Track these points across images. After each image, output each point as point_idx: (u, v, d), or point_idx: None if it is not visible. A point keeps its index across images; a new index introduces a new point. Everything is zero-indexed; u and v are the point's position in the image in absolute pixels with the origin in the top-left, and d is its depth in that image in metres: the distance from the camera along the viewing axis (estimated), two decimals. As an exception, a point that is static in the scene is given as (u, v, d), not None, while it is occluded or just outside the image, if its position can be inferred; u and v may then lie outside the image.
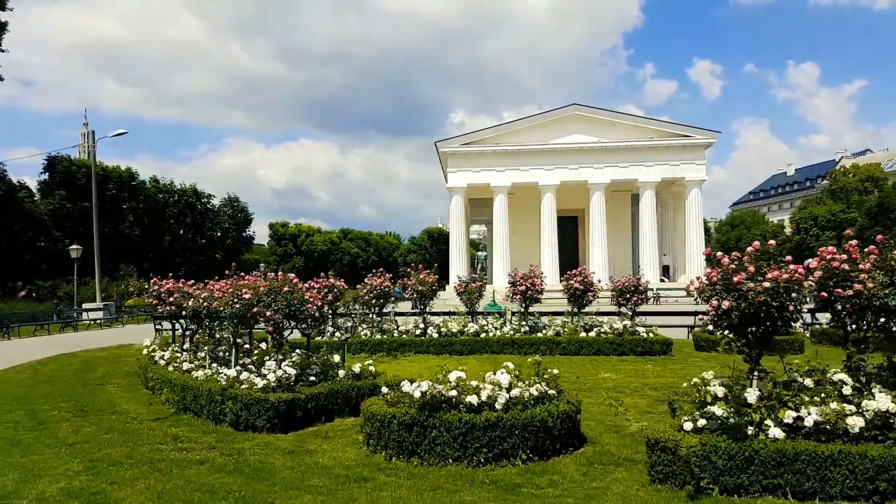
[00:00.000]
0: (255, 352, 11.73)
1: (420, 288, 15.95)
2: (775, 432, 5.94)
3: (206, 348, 12.43)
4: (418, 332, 16.30)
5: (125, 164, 54.46)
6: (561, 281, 16.79)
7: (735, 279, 6.25)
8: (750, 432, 6.01)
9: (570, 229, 48.72)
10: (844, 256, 6.77)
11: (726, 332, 6.76)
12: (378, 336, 16.02)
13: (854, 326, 7.12)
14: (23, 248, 49.41)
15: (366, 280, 16.86)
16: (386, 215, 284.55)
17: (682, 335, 19.78)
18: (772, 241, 8.48)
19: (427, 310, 16.75)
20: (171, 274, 14.64)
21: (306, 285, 10.20)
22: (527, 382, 7.47)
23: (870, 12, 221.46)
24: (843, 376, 6.70)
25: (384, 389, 7.84)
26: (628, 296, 16.25)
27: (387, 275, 17.24)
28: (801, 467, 5.64)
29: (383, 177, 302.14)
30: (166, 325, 21.93)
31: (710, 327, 6.60)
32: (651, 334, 15.90)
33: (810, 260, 7.08)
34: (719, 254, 6.74)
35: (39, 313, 30.49)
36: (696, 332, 17.16)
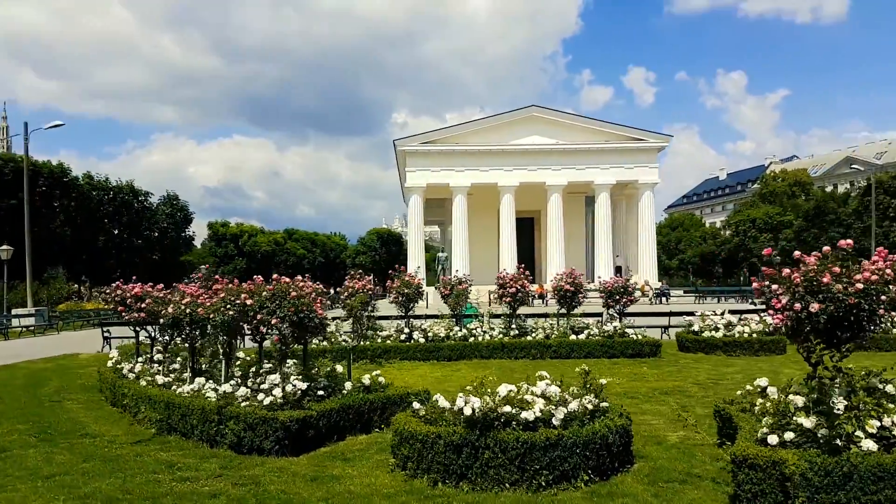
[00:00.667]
0: (238, 363, 10.74)
1: (405, 290, 15.12)
2: (868, 444, 5.44)
3: (178, 359, 11.35)
4: (403, 337, 15.46)
5: (44, 159, 50.81)
6: (549, 282, 16.20)
7: (823, 280, 5.72)
8: (839, 445, 5.51)
9: (526, 230, 48.53)
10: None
11: (806, 336, 6.19)
12: (360, 342, 15.14)
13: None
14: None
15: (346, 283, 15.89)
16: (326, 215, 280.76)
17: (654, 335, 19.57)
18: (768, 249, 8.09)
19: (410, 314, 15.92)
20: (117, 273, 13.40)
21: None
22: (568, 394, 6.80)
23: (793, 25, 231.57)
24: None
25: (416, 405, 7.04)
26: (617, 297, 15.84)
27: (367, 276, 16.32)
28: (903, 482, 5.16)
29: (323, 176, 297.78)
30: (115, 331, 20.54)
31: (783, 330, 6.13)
32: (640, 336, 15.53)
33: (876, 259, 6.63)
34: (797, 253, 6.23)
35: (-36, 321, 28.17)
36: (680, 332, 16.90)
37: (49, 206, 49.84)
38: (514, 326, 15.93)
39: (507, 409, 6.11)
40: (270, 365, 9.74)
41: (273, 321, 8.09)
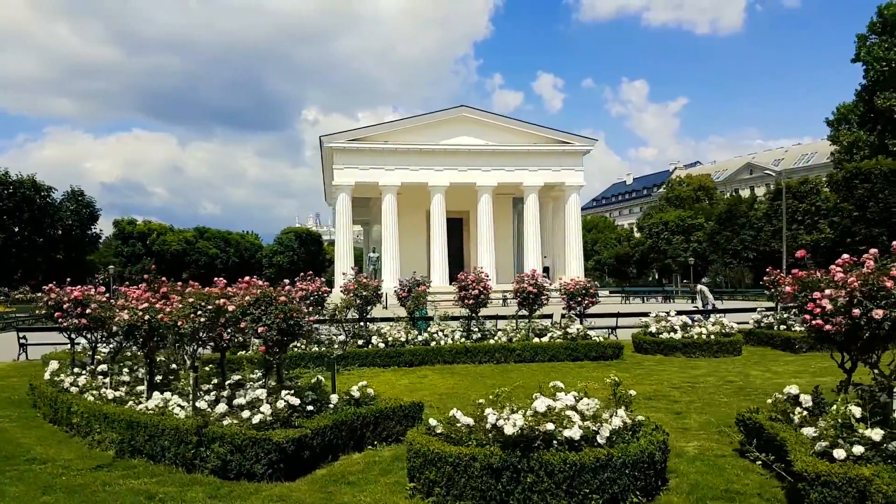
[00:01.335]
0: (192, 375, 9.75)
1: (363, 293, 14.31)
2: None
3: (125, 371, 10.20)
4: (361, 342, 14.63)
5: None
6: (513, 283, 15.80)
7: (886, 284, 5.47)
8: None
9: (455, 231, 48.15)
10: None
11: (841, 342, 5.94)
12: (315, 348, 14.21)
13: None
14: None
15: (298, 284, 14.88)
16: (233, 214, 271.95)
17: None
18: (801, 252, 7.96)
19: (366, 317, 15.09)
20: (18, 275, 12.01)
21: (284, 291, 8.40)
22: (590, 406, 6.32)
23: (693, 35, 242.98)
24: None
25: (432, 421, 6.38)
26: (579, 298, 15.61)
27: (318, 278, 15.38)
28: None
29: (229, 173, 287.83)
30: (33, 337, 18.56)
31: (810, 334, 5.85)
32: (602, 338, 15.37)
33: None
34: (845, 256, 5.98)
35: None
36: (636, 334, 16.86)
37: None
38: (475, 329, 15.43)
39: (550, 426, 5.55)
40: (239, 377, 8.85)
41: (259, 329, 7.21)
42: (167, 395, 8.18)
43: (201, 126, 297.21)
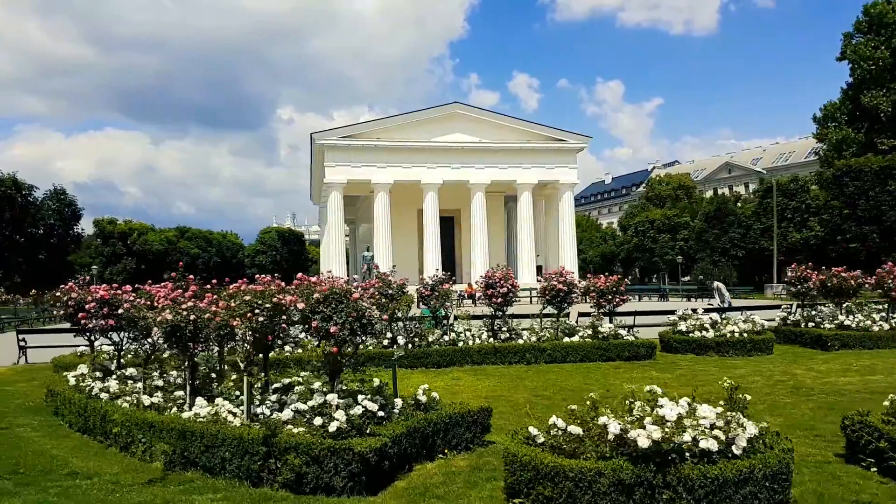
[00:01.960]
0: (231, 379, 9.12)
1: (388, 291, 13.68)
2: None
3: (155, 375, 9.51)
4: (385, 342, 14.01)
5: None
6: (538, 280, 15.26)
7: None
8: None
9: (446, 229, 47.63)
10: None
11: None
12: (349, 349, 13.51)
13: None
14: None
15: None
16: (207, 213, 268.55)
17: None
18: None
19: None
20: None
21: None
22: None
23: (667, 36, 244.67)
24: None
25: (532, 430, 5.82)
26: (609, 297, 15.13)
27: (339, 277, 14.68)
28: None
29: (203, 172, 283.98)
30: (32, 339, 17.58)
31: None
32: (633, 337, 14.92)
33: None
34: None
35: None
36: (664, 332, 16.43)
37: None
38: (504, 329, 14.89)
39: (687, 437, 5.02)
40: (289, 380, 8.24)
41: (332, 328, 6.59)
42: (220, 400, 7.53)
43: (175, 125, 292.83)
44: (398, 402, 7.50)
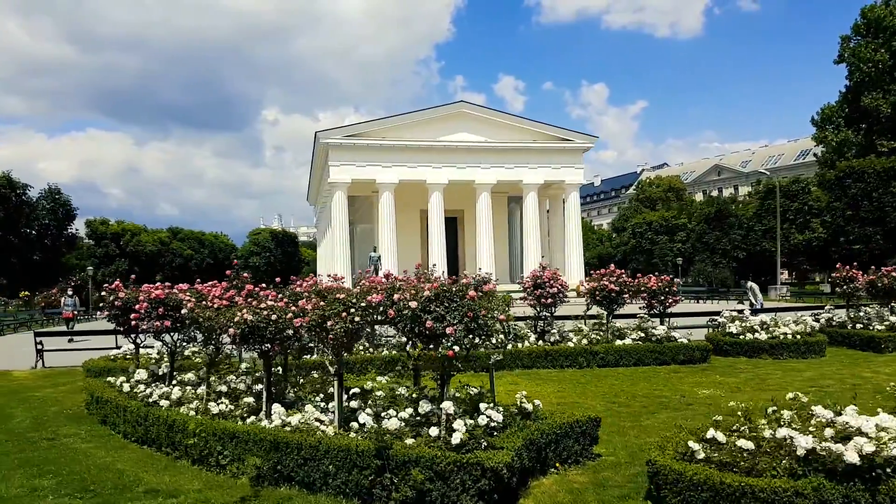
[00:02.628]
0: (306, 384, 8.52)
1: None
2: None
3: (213, 380, 8.85)
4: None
5: None
6: (587, 281, 14.68)
7: None
8: None
9: (449, 230, 46.96)
10: None
11: None
12: (385, 352, 12.89)
13: None
14: None
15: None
16: (191, 214, 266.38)
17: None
18: None
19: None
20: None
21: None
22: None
23: (653, 39, 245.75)
24: None
25: (693, 445, 5.22)
26: (661, 297, 14.58)
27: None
28: None
29: (186, 173, 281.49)
30: (48, 342, 16.71)
31: None
32: (687, 340, 14.38)
33: None
34: None
35: None
36: (712, 334, 15.91)
37: None
38: (554, 331, 14.29)
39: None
40: (368, 386, 7.64)
41: (448, 329, 5.96)
42: (309, 408, 6.89)
43: (158, 126, 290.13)
44: (493, 412, 6.88)
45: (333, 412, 7.03)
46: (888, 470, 4.45)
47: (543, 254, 48.87)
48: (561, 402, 10.24)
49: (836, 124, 59.99)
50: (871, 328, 15.93)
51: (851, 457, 4.36)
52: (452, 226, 48.30)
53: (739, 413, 5.69)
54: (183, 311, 8.15)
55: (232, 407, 7.73)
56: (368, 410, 6.63)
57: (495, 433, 6.27)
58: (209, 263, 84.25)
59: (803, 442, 4.62)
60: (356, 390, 7.50)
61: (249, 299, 8.45)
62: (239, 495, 6.06)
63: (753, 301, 21.34)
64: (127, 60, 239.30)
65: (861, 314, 16.70)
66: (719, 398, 10.39)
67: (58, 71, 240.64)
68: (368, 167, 41.35)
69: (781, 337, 14.67)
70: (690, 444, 5.24)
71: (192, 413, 7.69)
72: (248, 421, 7.22)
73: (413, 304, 6.08)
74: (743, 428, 5.44)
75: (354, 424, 6.65)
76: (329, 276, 8.29)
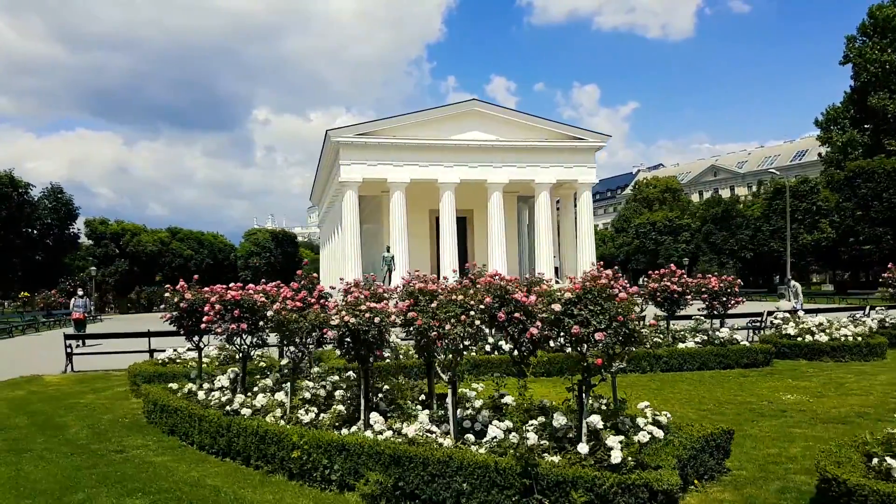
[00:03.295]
0: (404, 391, 7.99)
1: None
2: None
3: (269, 384, 8.30)
4: (488, 347, 12.84)
5: None
6: (649, 282, 14.11)
7: None
8: None
9: (459, 230, 46.45)
10: None
11: None
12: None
13: None
14: None
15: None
16: (181, 215, 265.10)
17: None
18: None
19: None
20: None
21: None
22: None
23: (644, 40, 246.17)
24: None
25: (893, 462, 4.70)
26: (724, 298, 14.07)
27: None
28: None
29: (176, 173, 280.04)
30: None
31: None
32: (749, 343, 13.90)
33: None
34: None
35: None
36: (770, 335, 15.42)
37: None
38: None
39: None
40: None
41: (597, 336, 5.42)
42: (423, 416, 6.35)
43: (148, 125, 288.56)
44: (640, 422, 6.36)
45: (441, 421, 6.51)
46: None
47: (555, 254, 48.49)
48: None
49: (841, 125, 59.91)
50: (930, 330, 15.53)
51: None
52: (461, 226, 47.74)
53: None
54: (269, 313, 7.57)
55: (320, 416, 7.17)
56: (499, 423, 6.06)
57: (643, 450, 5.75)
58: (209, 264, 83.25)
59: None
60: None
61: (321, 300, 7.93)
62: (362, 517, 5.51)
63: (794, 300, 20.83)
64: (117, 60, 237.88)
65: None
66: (808, 403, 9.92)
67: (47, 70, 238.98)
68: (380, 166, 40.75)
69: (843, 339, 14.22)
70: (889, 460, 4.72)
71: (280, 422, 7.12)
72: (343, 432, 6.66)
73: (556, 308, 5.54)
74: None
75: (470, 436, 6.14)
76: (410, 273, 7.68)
